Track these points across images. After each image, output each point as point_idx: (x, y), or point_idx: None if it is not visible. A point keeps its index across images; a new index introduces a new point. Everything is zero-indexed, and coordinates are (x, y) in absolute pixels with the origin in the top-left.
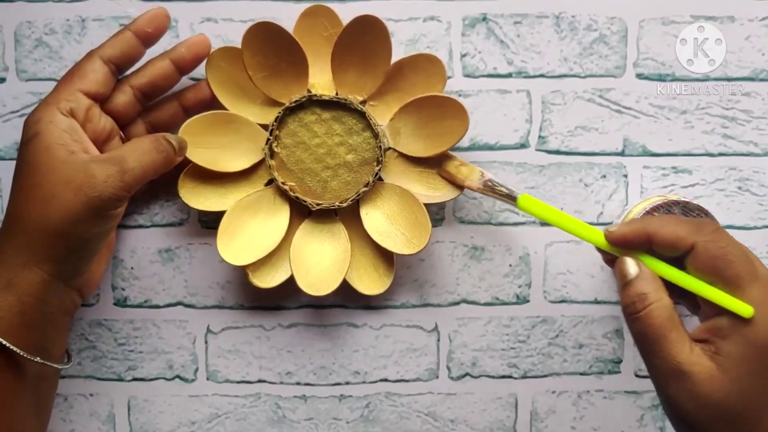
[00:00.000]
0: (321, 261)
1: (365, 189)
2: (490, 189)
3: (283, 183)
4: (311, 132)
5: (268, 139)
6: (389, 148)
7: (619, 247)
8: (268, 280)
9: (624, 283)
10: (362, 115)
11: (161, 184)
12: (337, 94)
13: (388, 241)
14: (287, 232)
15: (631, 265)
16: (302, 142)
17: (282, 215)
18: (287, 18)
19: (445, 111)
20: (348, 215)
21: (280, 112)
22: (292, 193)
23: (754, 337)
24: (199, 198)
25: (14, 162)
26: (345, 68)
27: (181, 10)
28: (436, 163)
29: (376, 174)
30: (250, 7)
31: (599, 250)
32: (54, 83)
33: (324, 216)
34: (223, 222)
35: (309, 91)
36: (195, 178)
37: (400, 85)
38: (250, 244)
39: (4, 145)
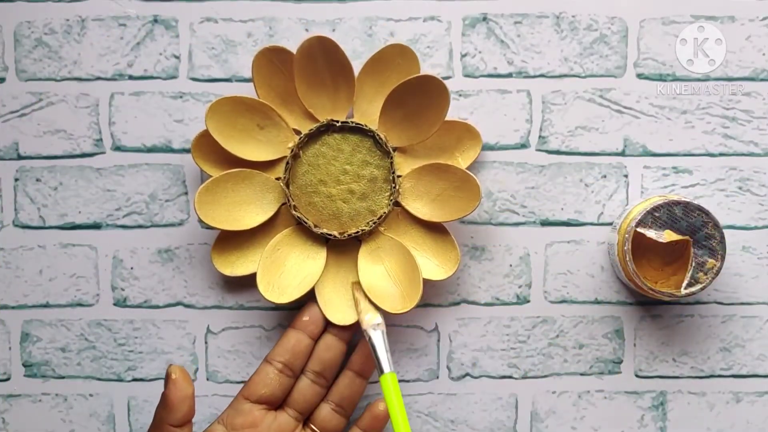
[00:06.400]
0: (292, 269)
1: (364, 228)
2: (372, 347)
3: (291, 200)
4: (337, 150)
5: (292, 148)
6: (397, 203)
7: None
8: (229, 265)
9: None
10: (387, 155)
11: (161, 184)
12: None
13: (377, 296)
14: (271, 226)
15: None
16: (324, 156)
17: (269, 204)
18: (287, 18)
19: (462, 185)
20: (347, 241)
21: (312, 129)
22: (294, 212)
23: None
24: (207, 165)
25: (13, 162)
26: (392, 118)
27: (181, 10)
28: (436, 230)
29: (381, 217)
30: (250, 7)
31: None
32: (54, 83)
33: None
34: (208, 183)
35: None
36: (210, 157)
37: (428, 142)
38: (228, 213)
39: (4, 145)
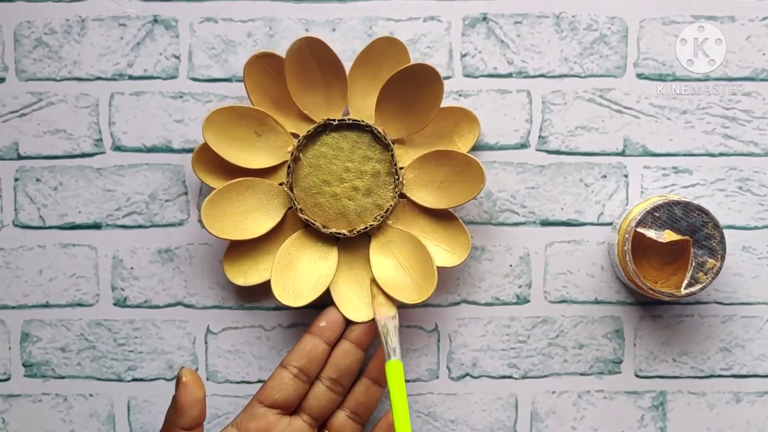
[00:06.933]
0: (305, 272)
1: (372, 223)
2: (384, 334)
3: (297, 203)
4: (336, 149)
5: (292, 152)
6: (402, 195)
7: None
8: (242, 275)
9: None
10: (387, 148)
11: (161, 184)
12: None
13: (392, 288)
14: (279, 232)
15: None
16: (324, 156)
17: (275, 210)
18: (287, 18)
19: (465, 169)
20: (357, 238)
21: (310, 130)
22: (301, 214)
23: None
24: (209, 177)
25: (13, 162)
26: (388, 110)
27: (181, 10)
28: (444, 217)
29: (388, 210)
30: (250, 7)
31: None
32: (54, 83)
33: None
34: (213, 195)
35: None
36: (212, 169)
37: (426, 131)
38: (235, 223)
39: (4, 145)
